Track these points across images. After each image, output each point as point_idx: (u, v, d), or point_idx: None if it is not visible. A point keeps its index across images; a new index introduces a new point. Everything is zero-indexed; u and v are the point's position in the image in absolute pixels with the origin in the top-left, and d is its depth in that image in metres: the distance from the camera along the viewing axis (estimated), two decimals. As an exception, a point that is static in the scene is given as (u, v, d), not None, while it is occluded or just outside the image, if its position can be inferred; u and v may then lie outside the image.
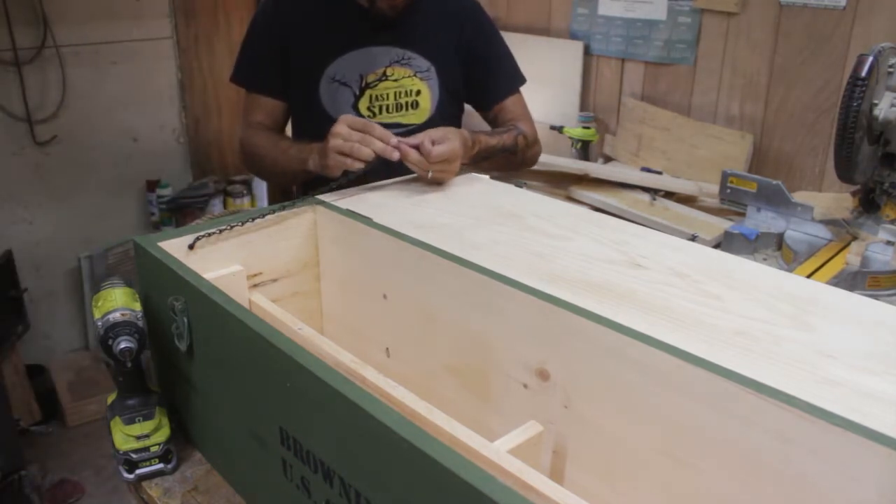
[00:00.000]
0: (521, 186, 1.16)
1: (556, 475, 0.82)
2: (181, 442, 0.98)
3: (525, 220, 1.03)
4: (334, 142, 1.13)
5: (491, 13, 2.90)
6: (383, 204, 1.10)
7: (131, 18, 2.43)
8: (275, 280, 1.11)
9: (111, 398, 0.95)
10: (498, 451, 0.68)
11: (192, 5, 2.34)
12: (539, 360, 0.82)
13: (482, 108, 1.49)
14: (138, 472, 0.92)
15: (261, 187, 2.75)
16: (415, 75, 1.37)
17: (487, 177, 1.23)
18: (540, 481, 0.64)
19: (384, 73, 1.36)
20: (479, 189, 1.17)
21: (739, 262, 0.91)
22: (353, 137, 1.12)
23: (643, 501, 0.74)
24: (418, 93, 1.38)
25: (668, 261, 0.89)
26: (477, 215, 1.05)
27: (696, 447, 0.69)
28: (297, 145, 1.30)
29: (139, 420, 0.91)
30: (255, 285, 1.08)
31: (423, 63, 1.37)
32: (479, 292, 0.88)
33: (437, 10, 1.39)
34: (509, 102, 1.45)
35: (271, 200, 2.34)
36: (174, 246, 0.97)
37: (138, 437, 0.91)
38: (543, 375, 0.82)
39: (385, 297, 1.04)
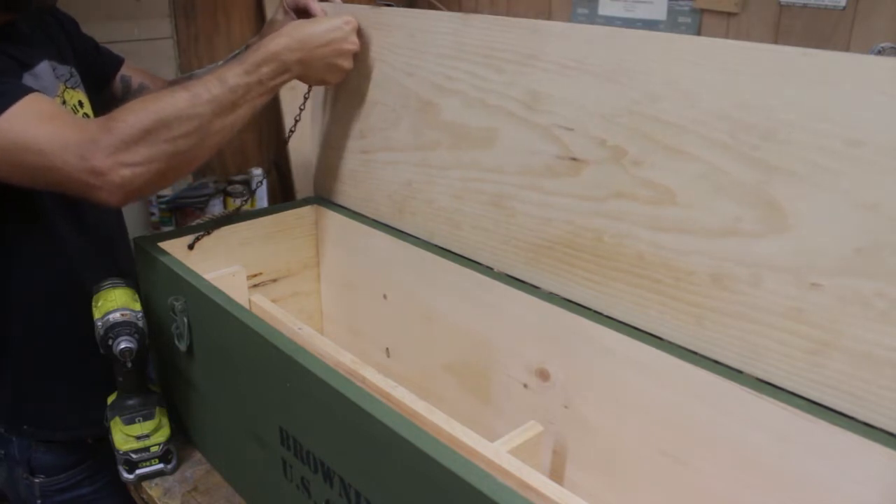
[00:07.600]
0: (388, 3, 1.06)
1: (556, 475, 0.82)
2: (181, 442, 0.98)
3: (440, 114, 0.91)
4: (351, 45, 1.01)
5: (491, 13, 2.90)
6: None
7: (131, 18, 2.42)
8: (275, 280, 1.11)
9: (111, 398, 0.95)
10: (498, 451, 0.68)
11: (192, 5, 2.33)
12: (539, 360, 0.82)
13: (105, 84, 1.26)
14: (138, 472, 0.92)
15: (261, 187, 2.74)
16: (67, 86, 1.10)
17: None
18: (540, 481, 0.64)
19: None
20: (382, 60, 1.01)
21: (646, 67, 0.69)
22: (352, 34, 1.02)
23: (643, 501, 0.74)
24: (81, 104, 1.12)
25: (590, 123, 0.75)
26: (402, 140, 0.98)
27: (695, 447, 0.69)
28: (218, 75, 0.88)
29: (139, 420, 0.91)
30: (255, 285, 1.08)
31: (64, 70, 1.12)
32: (479, 292, 0.88)
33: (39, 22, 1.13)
34: (126, 69, 1.28)
35: (271, 200, 2.33)
36: (174, 246, 0.97)
37: (138, 437, 0.91)
38: (543, 375, 0.82)
39: (385, 297, 1.04)
